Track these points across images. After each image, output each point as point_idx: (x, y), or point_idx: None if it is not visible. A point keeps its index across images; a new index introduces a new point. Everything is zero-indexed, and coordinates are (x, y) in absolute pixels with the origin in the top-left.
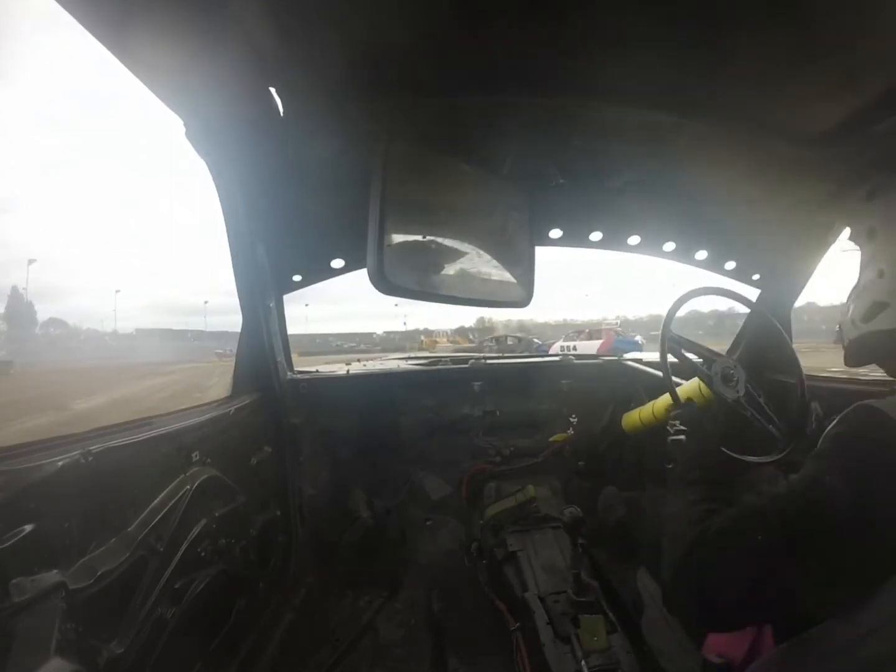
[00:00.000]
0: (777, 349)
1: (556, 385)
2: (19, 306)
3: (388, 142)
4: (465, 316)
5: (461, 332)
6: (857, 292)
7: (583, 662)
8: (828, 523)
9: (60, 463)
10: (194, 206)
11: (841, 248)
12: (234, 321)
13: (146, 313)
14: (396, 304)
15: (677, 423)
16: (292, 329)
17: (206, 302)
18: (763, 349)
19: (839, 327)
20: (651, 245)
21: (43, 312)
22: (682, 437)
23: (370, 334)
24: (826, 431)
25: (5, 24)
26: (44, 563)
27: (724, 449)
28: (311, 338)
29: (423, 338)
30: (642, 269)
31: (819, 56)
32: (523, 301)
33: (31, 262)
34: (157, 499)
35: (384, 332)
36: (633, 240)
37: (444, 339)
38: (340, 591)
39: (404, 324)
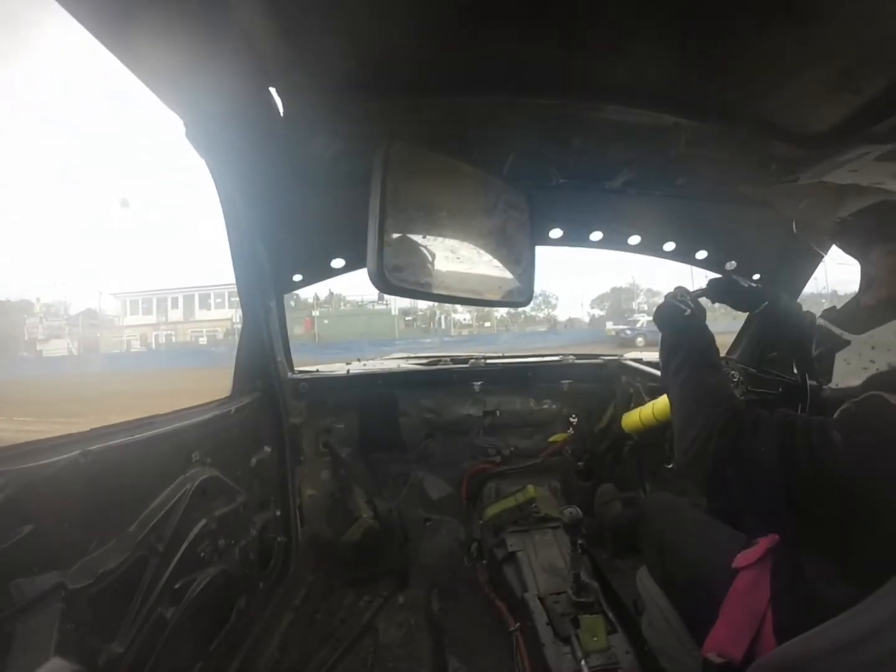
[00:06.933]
0: (777, 349)
1: (556, 385)
2: None
3: (389, 142)
4: None
5: None
6: None
7: (583, 662)
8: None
9: (60, 463)
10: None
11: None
12: None
13: None
14: None
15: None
16: None
17: None
18: (763, 349)
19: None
20: (651, 245)
21: None
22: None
23: None
24: (839, 410)
25: (5, 24)
26: (43, 563)
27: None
28: None
29: None
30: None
31: (819, 56)
32: (523, 300)
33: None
34: (158, 499)
35: None
36: (634, 239)
37: None
38: (340, 591)
39: None
